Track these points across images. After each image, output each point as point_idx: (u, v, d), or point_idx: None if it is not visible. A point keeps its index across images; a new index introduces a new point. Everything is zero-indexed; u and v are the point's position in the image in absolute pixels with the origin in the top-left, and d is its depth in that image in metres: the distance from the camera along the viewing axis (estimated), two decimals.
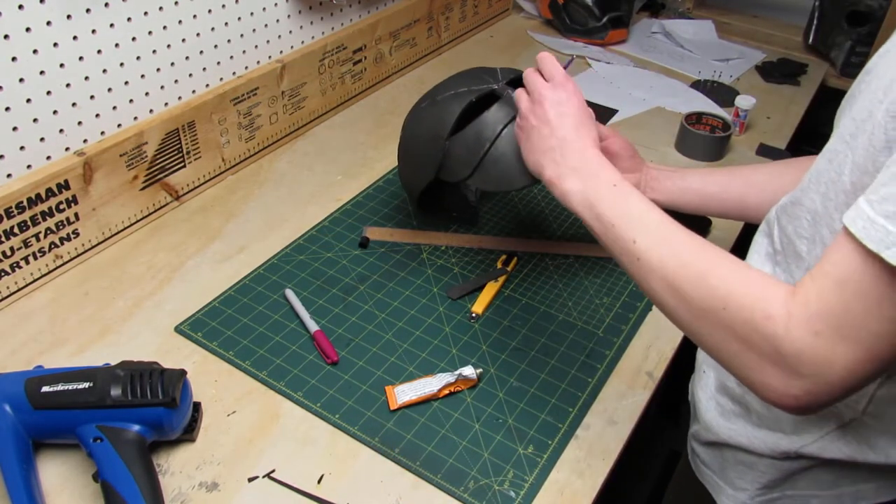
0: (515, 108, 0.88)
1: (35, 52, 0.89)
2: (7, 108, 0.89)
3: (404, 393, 0.84)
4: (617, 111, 1.46)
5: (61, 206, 0.96)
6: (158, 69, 1.06)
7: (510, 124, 0.91)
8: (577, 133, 0.73)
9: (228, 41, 1.15)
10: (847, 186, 0.58)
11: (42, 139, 0.94)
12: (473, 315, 0.96)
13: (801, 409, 0.54)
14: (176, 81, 1.09)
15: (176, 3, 1.04)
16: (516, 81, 0.95)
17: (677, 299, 0.60)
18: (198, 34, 1.10)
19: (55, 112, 0.94)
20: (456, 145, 0.94)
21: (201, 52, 1.11)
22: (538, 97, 0.76)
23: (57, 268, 0.99)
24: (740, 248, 0.94)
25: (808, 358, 0.52)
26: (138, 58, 1.02)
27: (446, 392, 0.85)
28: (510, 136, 0.90)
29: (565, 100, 0.75)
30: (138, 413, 0.74)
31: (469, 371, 0.86)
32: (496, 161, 0.92)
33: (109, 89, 1.00)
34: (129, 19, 0.99)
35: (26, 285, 0.96)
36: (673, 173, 0.92)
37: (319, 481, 0.77)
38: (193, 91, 1.13)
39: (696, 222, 1.15)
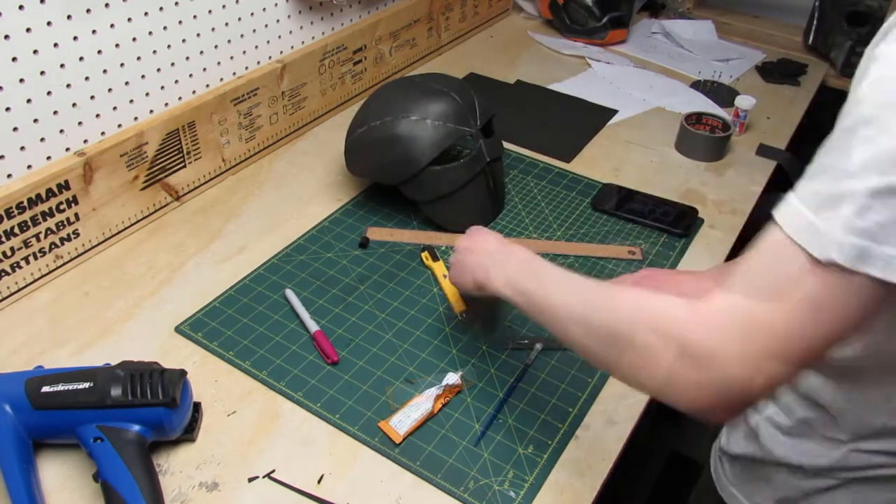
0: (482, 159, 1.08)
1: (35, 52, 0.89)
2: (7, 109, 0.89)
3: (401, 423, 0.81)
4: (617, 111, 1.46)
5: (61, 207, 0.96)
6: (159, 69, 1.06)
7: (469, 184, 1.08)
8: (489, 244, 0.83)
9: (228, 41, 1.15)
10: None
11: (42, 139, 0.94)
12: (462, 315, 0.97)
13: (718, 407, 0.52)
14: (176, 82, 1.09)
15: (176, 3, 1.04)
16: (486, 127, 1.12)
17: (588, 334, 0.62)
18: (198, 34, 1.10)
19: (55, 112, 0.94)
20: (423, 174, 1.06)
21: (201, 52, 1.12)
22: (456, 247, 0.88)
23: (57, 268, 0.99)
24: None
25: (716, 335, 0.51)
26: (139, 58, 1.02)
27: (440, 405, 0.84)
28: (466, 191, 1.08)
29: (476, 234, 0.87)
30: (138, 413, 0.74)
31: (453, 378, 0.85)
32: (447, 204, 1.09)
33: (110, 89, 1.00)
34: (129, 20, 0.99)
35: (26, 285, 0.96)
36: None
37: (319, 481, 0.77)
38: (194, 91, 1.13)
39: (684, 212, 1.15)
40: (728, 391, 0.51)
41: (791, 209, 0.51)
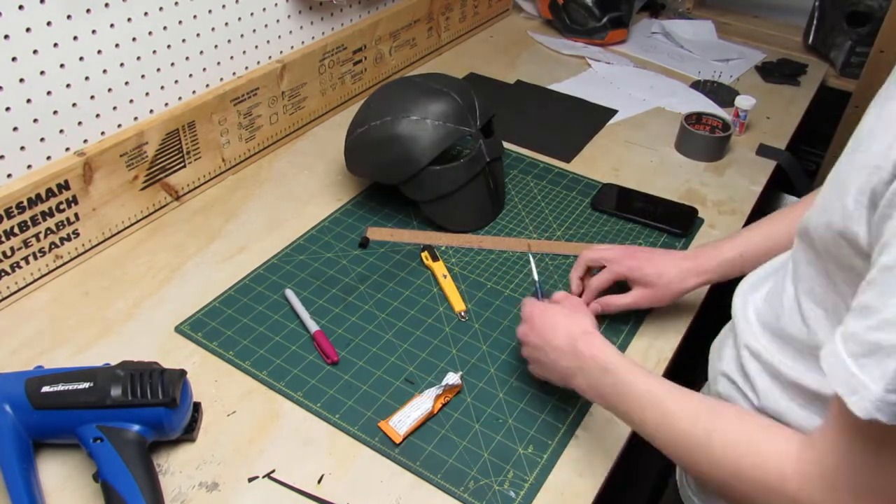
0: (482, 159, 1.09)
1: (35, 52, 0.89)
2: (7, 108, 0.89)
3: (401, 423, 0.81)
4: (617, 111, 1.46)
5: (61, 207, 0.96)
6: (158, 69, 1.06)
7: (469, 184, 1.09)
8: (568, 334, 0.77)
9: (228, 41, 1.15)
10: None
11: (42, 139, 0.94)
12: (462, 315, 0.97)
13: None
14: (176, 82, 1.09)
15: (176, 3, 1.04)
16: (486, 127, 1.12)
17: (696, 469, 0.62)
18: (198, 34, 1.10)
19: (55, 112, 0.94)
20: (423, 173, 1.06)
21: (201, 52, 1.11)
22: (528, 317, 0.83)
23: (57, 268, 0.99)
24: None
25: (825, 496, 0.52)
26: (138, 58, 1.02)
27: (440, 405, 0.84)
28: (466, 191, 1.09)
29: (539, 325, 0.81)
30: (138, 413, 0.74)
31: (454, 379, 0.85)
32: (447, 203, 1.10)
33: (109, 89, 1.00)
34: (129, 20, 0.99)
35: (26, 285, 0.96)
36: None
37: (319, 481, 0.77)
38: (193, 91, 1.13)
39: (684, 211, 1.15)
40: None
41: (834, 357, 0.49)
